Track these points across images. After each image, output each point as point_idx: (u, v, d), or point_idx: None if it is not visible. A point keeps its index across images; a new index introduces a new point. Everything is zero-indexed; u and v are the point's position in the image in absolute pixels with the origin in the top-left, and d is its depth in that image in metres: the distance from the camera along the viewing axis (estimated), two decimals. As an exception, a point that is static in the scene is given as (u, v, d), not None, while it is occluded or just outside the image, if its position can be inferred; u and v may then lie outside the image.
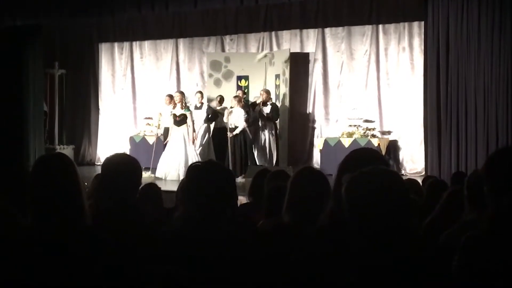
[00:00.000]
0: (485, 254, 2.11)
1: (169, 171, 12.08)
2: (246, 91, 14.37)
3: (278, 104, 13.74)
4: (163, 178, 12.09)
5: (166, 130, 13.06)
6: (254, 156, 12.92)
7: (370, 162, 2.47)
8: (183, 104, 12.55)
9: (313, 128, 14.33)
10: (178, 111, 12.46)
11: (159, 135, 13.49)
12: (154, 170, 12.59)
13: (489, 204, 2.59)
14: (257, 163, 12.75)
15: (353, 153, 2.91)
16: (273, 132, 13.16)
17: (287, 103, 13.82)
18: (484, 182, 2.63)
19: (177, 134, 12.44)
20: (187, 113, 12.43)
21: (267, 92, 13.17)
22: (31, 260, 2.63)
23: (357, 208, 2.19)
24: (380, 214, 2.15)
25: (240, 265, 2.65)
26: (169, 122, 12.88)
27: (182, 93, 12.87)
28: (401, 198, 2.20)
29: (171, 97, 13.24)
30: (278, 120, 13.42)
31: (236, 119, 12.62)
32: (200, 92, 13.69)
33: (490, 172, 2.56)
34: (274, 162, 12.96)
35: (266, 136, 13.08)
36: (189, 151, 12.29)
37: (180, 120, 12.41)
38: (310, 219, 2.94)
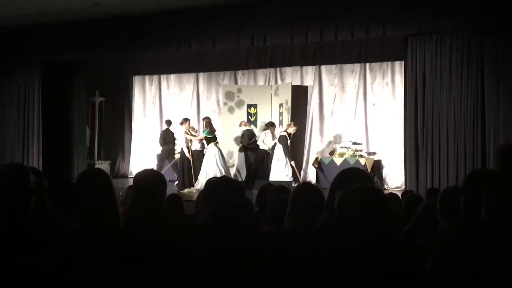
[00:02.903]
0: (455, 259, 2.11)
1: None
2: (255, 118, 14.44)
3: (282, 128, 13.74)
4: None
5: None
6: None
7: (358, 180, 2.49)
8: (204, 127, 12.65)
9: (310, 149, 14.32)
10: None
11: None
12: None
13: (462, 216, 2.60)
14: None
15: (343, 172, 2.92)
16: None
17: (289, 127, 13.81)
18: (461, 197, 2.64)
19: (207, 151, 12.55)
20: (203, 135, 12.58)
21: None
22: (78, 257, 2.65)
23: (347, 218, 2.20)
24: (366, 223, 2.16)
25: (247, 262, 2.65)
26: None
27: (203, 119, 13.04)
28: (383, 210, 2.22)
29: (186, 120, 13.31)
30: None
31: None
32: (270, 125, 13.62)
33: (467, 190, 2.57)
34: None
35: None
36: (216, 167, 12.30)
37: (206, 141, 12.62)
38: (308, 226, 2.95)
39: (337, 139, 13.82)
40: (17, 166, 3.01)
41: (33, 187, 2.88)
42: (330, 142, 14.01)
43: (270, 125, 13.68)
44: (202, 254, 2.68)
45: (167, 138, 14.14)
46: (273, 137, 13.44)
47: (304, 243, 2.71)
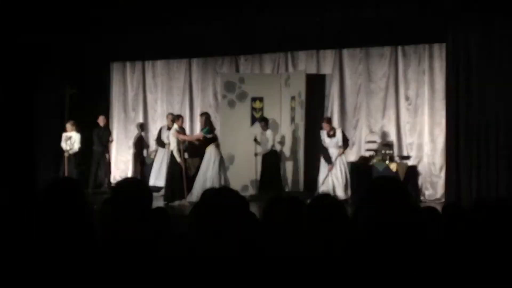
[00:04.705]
0: None
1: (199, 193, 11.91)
2: (260, 113, 14.40)
3: (293, 126, 13.75)
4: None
5: None
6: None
7: (392, 194, 2.46)
8: (203, 125, 12.54)
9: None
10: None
11: None
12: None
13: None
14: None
15: (373, 184, 2.89)
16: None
17: (303, 125, 13.77)
18: None
19: (206, 155, 12.46)
20: (201, 134, 12.46)
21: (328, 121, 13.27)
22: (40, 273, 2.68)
23: (376, 246, 2.20)
24: (400, 255, 2.15)
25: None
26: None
27: (201, 115, 12.96)
28: (420, 238, 2.21)
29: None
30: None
31: None
32: None
33: None
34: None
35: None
36: (217, 174, 12.27)
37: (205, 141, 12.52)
38: (326, 248, 2.94)
39: (363, 139, 13.81)
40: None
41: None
42: (353, 144, 13.99)
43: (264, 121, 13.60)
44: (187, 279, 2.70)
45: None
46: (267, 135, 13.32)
47: (318, 275, 2.69)
